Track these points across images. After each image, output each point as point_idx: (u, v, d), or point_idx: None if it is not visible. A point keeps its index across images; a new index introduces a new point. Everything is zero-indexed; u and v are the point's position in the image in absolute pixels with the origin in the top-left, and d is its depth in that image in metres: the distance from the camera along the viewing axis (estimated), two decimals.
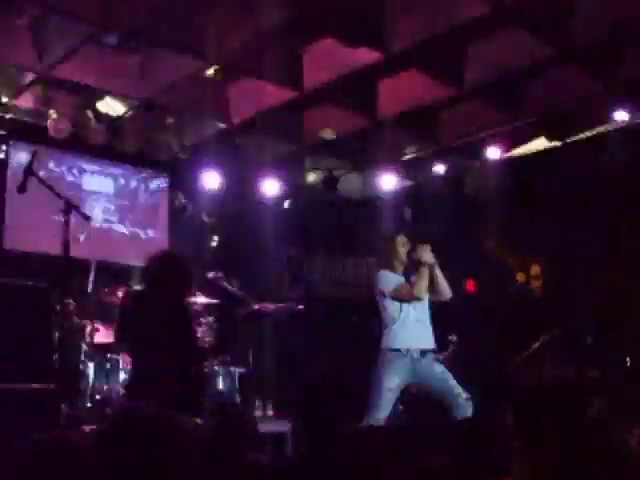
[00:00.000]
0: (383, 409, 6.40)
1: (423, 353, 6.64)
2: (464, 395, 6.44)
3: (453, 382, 6.55)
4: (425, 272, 6.55)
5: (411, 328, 6.60)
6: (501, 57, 7.87)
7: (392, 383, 6.49)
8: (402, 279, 6.66)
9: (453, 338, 8.73)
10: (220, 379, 8.16)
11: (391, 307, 6.68)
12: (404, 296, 6.60)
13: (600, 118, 8.85)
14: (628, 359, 8.82)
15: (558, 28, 7.38)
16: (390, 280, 6.65)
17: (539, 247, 10.46)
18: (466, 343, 9.60)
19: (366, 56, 7.81)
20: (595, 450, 2.39)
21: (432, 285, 6.66)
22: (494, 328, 9.97)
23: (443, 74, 8.36)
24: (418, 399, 7.19)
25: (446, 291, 6.75)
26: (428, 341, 6.72)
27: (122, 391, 5.96)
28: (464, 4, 6.97)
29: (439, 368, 6.65)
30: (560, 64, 7.99)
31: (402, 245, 6.73)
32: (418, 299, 6.58)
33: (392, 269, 6.70)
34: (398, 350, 6.57)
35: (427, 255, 6.59)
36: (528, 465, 2.43)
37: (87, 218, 6.18)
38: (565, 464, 2.38)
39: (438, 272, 6.67)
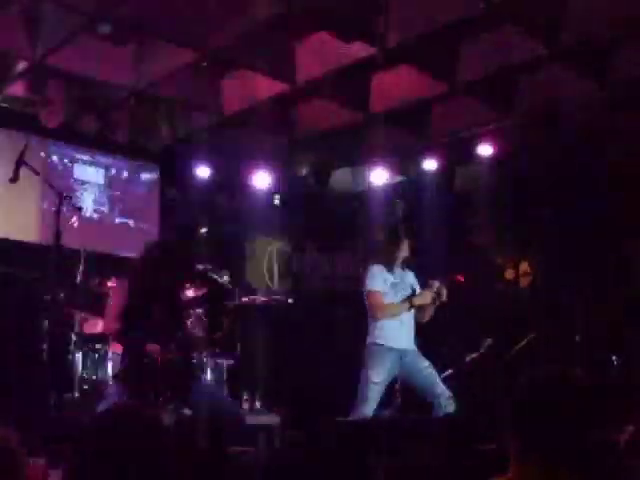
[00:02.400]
0: (370, 403, 6.44)
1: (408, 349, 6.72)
2: (447, 394, 6.49)
3: (437, 380, 6.60)
4: (405, 308, 6.64)
5: (394, 328, 6.66)
6: (494, 54, 7.88)
7: (378, 377, 6.53)
8: (392, 279, 6.71)
9: (487, 342, 8.69)
10: (208, 371, 8.17)
11: None
12: (372, 306, 6.68)
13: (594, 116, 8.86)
14: (614, 358, 8.85)
15: (552, 26, 7.38)
16: (377, 279, 6.70)
17: (529, 244, 10.49)
18: (455, 340, 9.64)
19: (360, 51, 7.81)
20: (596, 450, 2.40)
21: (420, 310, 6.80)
22: (481, 325, 10.00)
23: (436, 70, 8.37)
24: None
25: (425, 319, 6.88)
26: (409, 342, 6.78)
27: (111, 381, 5.94)
28: (458, 1, 6.98)
29: (425, 364, 6.69)
30: (553, 62, 8.00)
31: (405, 246, 6.80)
32: (376, 318, 6.68)
33: (388, 266, 6.75)
34: (383, 345, 6.63)
35: (427, 299, 6.70)
36: (526, 464, 2.44)
37: (79, 209, 6.20)
38: (565, 463, 2.39)
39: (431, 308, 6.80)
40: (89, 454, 2.19)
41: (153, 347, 5.44)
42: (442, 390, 6.51)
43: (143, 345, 5.44)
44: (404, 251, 6.80)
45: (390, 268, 6.75)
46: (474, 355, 8.48)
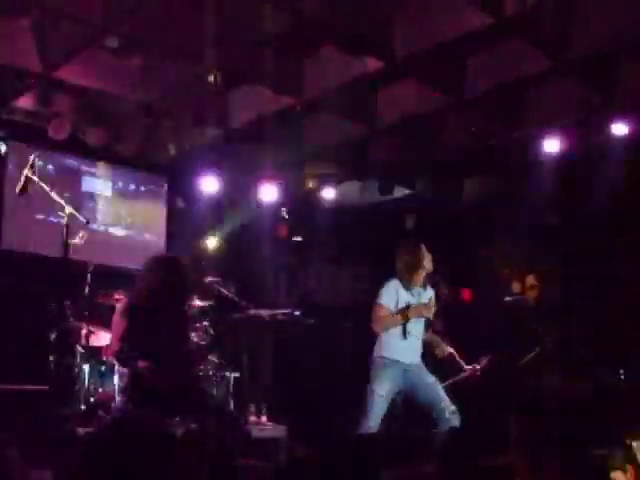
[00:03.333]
0: (375, 416, 6.44)
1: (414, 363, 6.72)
2: (451, 408, 6.48)
3: (442, 394, 6.60)
4: (398, 320, 6.63)
5: (399, 341, 6.65)
6: (501, 68, 7.90)
7: (383, 390, 6.53)
8: (408, 297, 6.71)
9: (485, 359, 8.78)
10: (214, 384, 8.16)
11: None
12: (372, 318, 6.68)
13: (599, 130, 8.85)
14: (622, 372, 8.83)
15: (558, 40, 7.40)
16: (387, 294, 6.70)
17: (535, 258, 10.49)
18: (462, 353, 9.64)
19: (366, 65, 7.83)
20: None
21: None
22: (489, 338, 9.98)
23: (443, 84, 8.39)
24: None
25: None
26: (415, 356, 6.77)
27: (118, 396, 5.94)
28: (466, 15, 6.99)
29: (430, 379, 6.69)
30: (560, 76, 8.01)
31: (428, 262, 6.79)
32: (374, 330, 6.68)
33: (408, 283, 6.75)
34: (388, 358, 6.63)
35: (422, 312, 6.71)
36: (531, 469, 2.44)
37: (86, 222, 6.20)
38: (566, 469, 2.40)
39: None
40: (92, 464, 2.19)
41: (143, 364, 5.42)
42: (446, 404, 6.50)
43: (136, 364, 5.43)
44: (427, 268, 6.79)
45: (408, 285, 6.74)
46: (469, 369, 8.53)
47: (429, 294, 6.86)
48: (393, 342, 6.64)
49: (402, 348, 6.65)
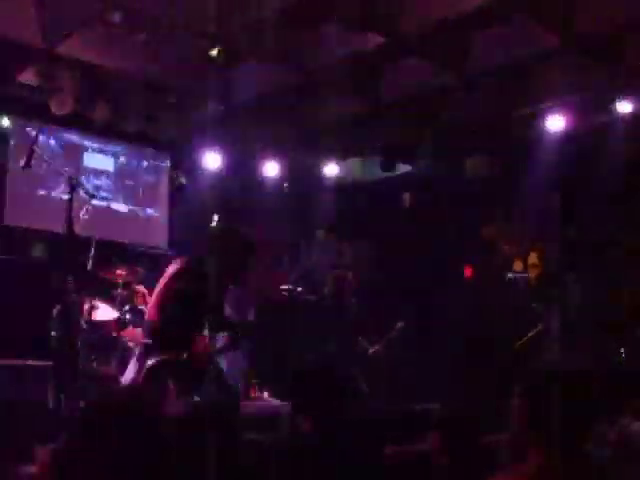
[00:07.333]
0: None
1: None
2: None
3: None
4: None
5: None
6: (505, 46, 7.87)
7: None
8: None
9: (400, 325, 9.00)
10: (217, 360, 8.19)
11: None
12: None
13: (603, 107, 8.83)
14: (622, 350, 8.86)
15: (563, 18, 7.37)
16: None
17: (537, 236, 10.49)
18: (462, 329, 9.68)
19: (371, 41, 7.81)
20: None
21: None
22: (491, 315, 10.01)
23: (447, 61, 8.36)
24: None
25: None
26: None
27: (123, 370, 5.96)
28: None
29: None
30: (564, 55, 7.98)
31: None
32: None
33: None
34: None
35: None
36: (543, 453, 2.45)
37: (91, 196, 6.20)
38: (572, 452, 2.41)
39: None
40: (92, 437, 2.18)
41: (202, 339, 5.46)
42: None
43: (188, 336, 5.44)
44: None
45: None
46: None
47: None
48: None
49: None
